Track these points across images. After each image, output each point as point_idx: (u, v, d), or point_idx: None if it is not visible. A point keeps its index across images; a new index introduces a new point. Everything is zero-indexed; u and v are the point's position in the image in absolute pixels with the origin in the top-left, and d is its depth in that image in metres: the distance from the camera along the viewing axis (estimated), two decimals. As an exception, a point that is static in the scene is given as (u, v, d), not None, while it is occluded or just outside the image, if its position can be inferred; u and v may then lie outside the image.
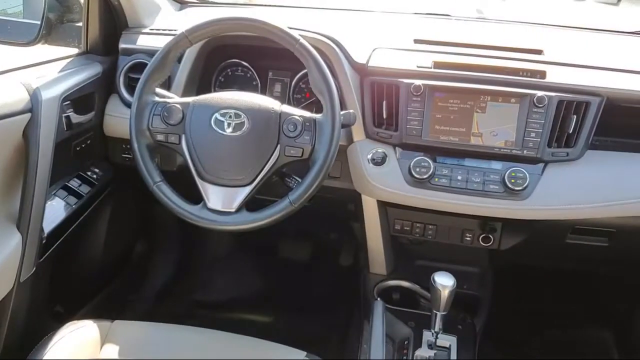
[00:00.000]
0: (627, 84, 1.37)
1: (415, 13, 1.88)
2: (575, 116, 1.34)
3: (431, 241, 1.60)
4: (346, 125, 1.29)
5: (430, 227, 1.57)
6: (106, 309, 1.86)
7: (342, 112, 1.26)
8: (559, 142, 1.35)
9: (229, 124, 1.24)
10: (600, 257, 1.60)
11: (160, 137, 1.28)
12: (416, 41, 1.54)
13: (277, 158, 1.24)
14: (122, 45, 1.63)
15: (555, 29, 1.80)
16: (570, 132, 1.34)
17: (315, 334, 2.02)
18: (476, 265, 1.73)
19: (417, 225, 1.58)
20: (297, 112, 1.26)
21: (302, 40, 1.24)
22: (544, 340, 1.97)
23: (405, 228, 1.59)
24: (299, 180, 1.27)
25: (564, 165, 1.36)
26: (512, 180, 1.33)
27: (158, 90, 1.32)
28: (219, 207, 1.24)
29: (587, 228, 1.44)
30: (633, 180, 1.36)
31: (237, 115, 1.24)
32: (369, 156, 1.42)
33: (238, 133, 1.23)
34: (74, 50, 1.60)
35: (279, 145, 1.24)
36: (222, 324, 1.33)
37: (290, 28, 1.26)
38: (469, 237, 1.55)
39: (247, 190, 1.24)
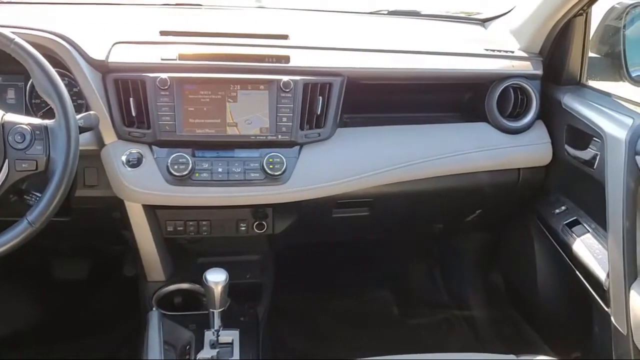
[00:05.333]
0: (364, 62, 1.47)
1: (165, 4, 1.81)
2: (321, 97, 1.39)
3: (208, 237, 1.57)
4: (87, 129, 1.19)
5: (203, 223, 1.53)
6: None
7: (81, 115, 1.16)
8: (310, 124, 1.40)
9: (-61, 145, 1.06)
10: (365, 225, 1.72)
11: None
12: (162, 33, 1.47)
13: (7, 175, 1.10)
14: None
15: (305, 12, 1.86)
16: (319, 113, 1.40)
17: (105, 355, 1.88)
18: (257, 253, 1.74)
19: (190, 223, 1.53)
20: (24, 120, 1.12)
21: (17, 40, 1.10)
22: (330, 311, 2.07)
23: (179, 228, 1.53)
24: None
25: (318, 146, 1.41)
26: (271, 166, 1.34)
27: None
28: (-60, 242, 1.06)
29: (348, 201, 1.52)
30: (381, 152, 1.47)
31: None
32: (124, 158, 1.33)
33: (-47, 153, 1.06)
34: None
35: (7, 160, 1.09)
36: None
37: (2, 26, 1.12)
38: (244, 226, 1.54)
39: (-26, 216, 1.08)
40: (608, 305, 1.33)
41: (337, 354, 1.87)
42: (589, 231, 1.46)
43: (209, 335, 1.35)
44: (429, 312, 2.11)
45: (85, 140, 1.31)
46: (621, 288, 1.26)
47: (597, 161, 1.39)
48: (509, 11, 1.73)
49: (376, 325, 2.06)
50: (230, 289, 1.35)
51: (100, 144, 1.36)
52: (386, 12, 1.86)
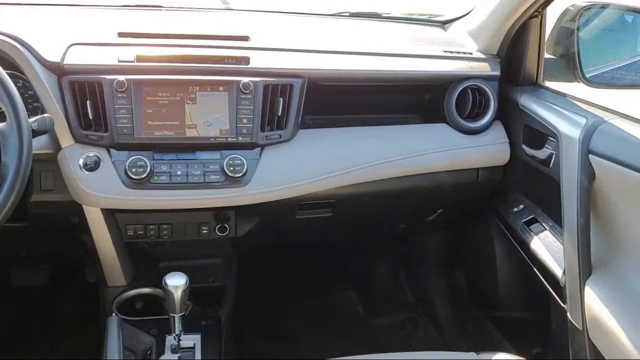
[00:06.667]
0: (324, 63, 1.47)
1: (125, 6, 1.78)
2: (281, 99, 1.39)
3: (169, 241, 1.55)
4: (41, 132, 1.16)
5: (164, 227, 1.51)
6: None
7: (34, 118, 1.14)
8: (272, 126, 1.40)
9: None
10: (329, 226, 1.72)
11: None
12: (120, 34, 1.45)
13: None
14: None
15: (266, 14, 1.85)
16: (280, 114, 1.39)
17: (65, 361, 1.85)
18: (220, 256, 1.72)
19: (151, 227, 1.51)
20: None
21: (-37, 41, 1.07)
22: (295, 313, 2.08)
23: (139, 232, 1.50)
24: None
25: (280, 147, 1.41)
26: (231, 168, 1.34)
27: None
28: None
29: (311, 202, 1.52)
30: (342, 154, 1.48)
31: None
32: (81, 162, 1.31)
33: None
34: None
35: None
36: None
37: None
38: (206, 230, 1.53)
39: None
40: (564, 302, 1.36)
41: (303, 355, 1.87)
42: (546, 229, 1.49)
43: (170, 340, 1.33)
44: (394, 311, 2.13)
45: (41, 144, 1.29)
46: (576, 284, 1.29)
47: (552, 160, 1.42)
48: (468, 13, 1.76)
49: (341, 326, 2.06)
50: (193, 292, 1.34)
51: (57, 147, 1.33)
52: (348, 14, 1.87)
